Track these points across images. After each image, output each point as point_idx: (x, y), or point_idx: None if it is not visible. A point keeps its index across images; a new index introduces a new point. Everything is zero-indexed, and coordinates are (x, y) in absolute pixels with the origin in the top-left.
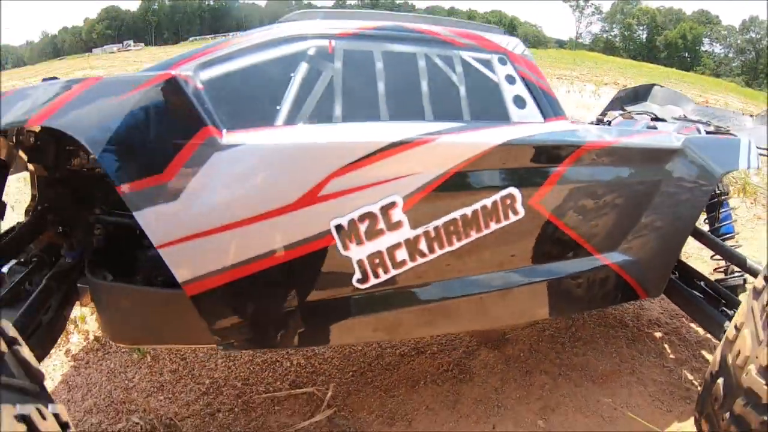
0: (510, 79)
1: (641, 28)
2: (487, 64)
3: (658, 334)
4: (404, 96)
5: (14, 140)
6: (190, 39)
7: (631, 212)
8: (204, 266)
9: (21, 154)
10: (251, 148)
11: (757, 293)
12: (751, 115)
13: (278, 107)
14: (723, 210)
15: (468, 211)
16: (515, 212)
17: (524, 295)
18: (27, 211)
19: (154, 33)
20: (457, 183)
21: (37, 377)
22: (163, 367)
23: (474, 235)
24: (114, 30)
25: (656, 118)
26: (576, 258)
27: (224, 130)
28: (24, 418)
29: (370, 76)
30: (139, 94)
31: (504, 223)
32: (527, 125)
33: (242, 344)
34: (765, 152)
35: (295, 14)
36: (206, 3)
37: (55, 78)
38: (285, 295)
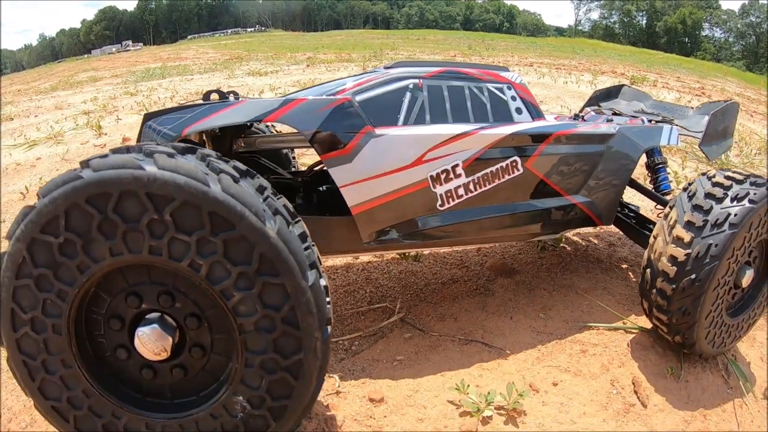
0: (513, 98)
1: (640, 14)
2: (500, 90)
3: (624, 266)
4: (459, 110)
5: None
6: (189, 37)
7: (587, 171)
8: (364, 196)
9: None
10: (389, 136)
11: (665, 216)
12: (692, 108)
13: (398, 116)
14: (662, 173)
15: (493, 168)
16: (518, 170)
17: (526, 217)
18: None
19: (152, 32)
20: (487, 154)
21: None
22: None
23: (497, 182)
24: (112, 31)
25: (615, 113)
26: (554, 197)
27: (375, 127)
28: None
29: (442, 99)
30: (333, 108)
31: (512, 176)
32: (523, 123)
33: (379, 243)
34: (692, 134)
35: (398, 63)
36: (203, 1)
37: (219, 90)
38: (405, 212)
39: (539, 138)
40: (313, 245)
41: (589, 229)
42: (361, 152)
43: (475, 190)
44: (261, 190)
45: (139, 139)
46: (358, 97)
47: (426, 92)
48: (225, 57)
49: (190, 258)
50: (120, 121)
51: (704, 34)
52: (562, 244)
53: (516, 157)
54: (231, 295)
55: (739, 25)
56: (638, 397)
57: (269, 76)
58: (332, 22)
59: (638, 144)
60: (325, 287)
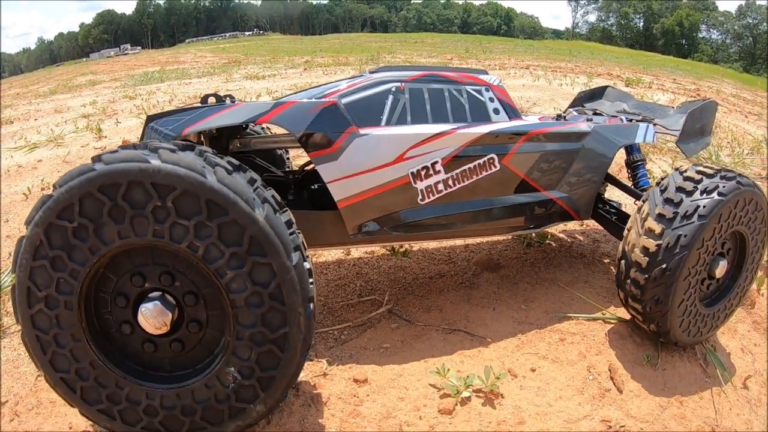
0: (491, 99)
1: (638, 16)
2: (479, 92)
3: (606, 261)
4: (438, 111)
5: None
6: (187, 41)
7: (563, 167)
8: (349, 191)
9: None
10: (373, 135)
11: (638, 209)
12: (673, 107)
13: (381, 116)
14: (640, 170)
15: (471, 165)
16: (495, 166)
17: (505, 211)
18: None
19: (150, 36)
20: (465, 152)
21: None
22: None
23: (475, 178)
24: (110, 34)
25: (596, 113)
26: (532, 193)
27: (359, 127)
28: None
29: (422, 101)
30: (320, 110)
31: (490, 172)
32: (500, 123)
33: (364, 236)
34: (670, 132)
35: (379, 69)
36: (201, 4)
37: (216, 94)
38: (388, 206)
39: (515, 136)
40: (298, 232)
41: (575, 227)
42: (346, 150)
43: (454, 185)
44: (251, 182)
45: (142, 139)
46: (344, 100)
47: (407, 95)
48: (223, 61)
49: (189, 240)
50: (120, 124)
51: (701, 35)
52: (547, 241)
53: (493, 155)
54: (224, 273)
55: (736, 27)
56: (614, 383)
57: (267, 80)
58: (330, 26)
59: (613, 141)
60: (309, 269)
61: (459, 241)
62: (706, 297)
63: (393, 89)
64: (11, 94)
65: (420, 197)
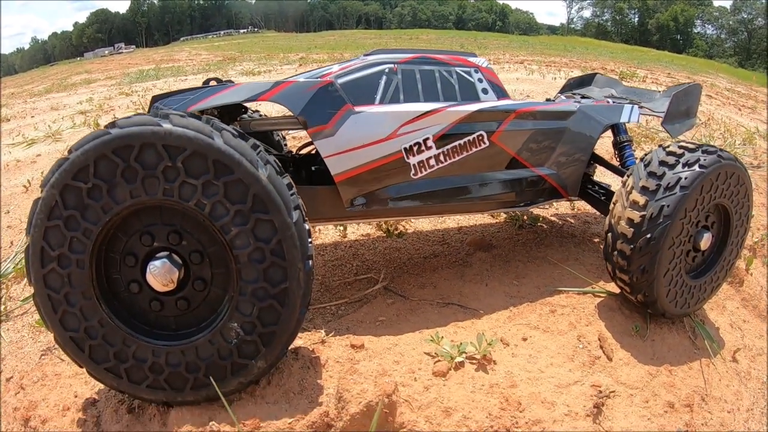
0: (480, 80)
1: (632, 11)
2: (468, 73)
3: (596, 240)
4: (429, 90)
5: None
6: (182, 39)
7: (551, 145)
8: (345, 166)
9: None
10: (367, 113)
11: (623, 183)
12: (659, 92)
13: (375, 95)
14: (627, 150)
15: (461, 141)
16: (484, 143)
17: (496, 186)
18: None
19: (144, 35)
20: (455, 129)
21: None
22: None
23: (465, 154)
24: (104, 33)
25: (584, 97)
26: (521, 169)
27: (354, 105)
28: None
29: (414, 81)
30: (317, 89)
31: (479, 148)
32: (488, 102)
33: (359, 209)
34: (655, 114)
35: (373, 51)
36: (196, 2)
37: (218, 78)
38: (382, 180)
39: (503, 114)
40: (298, 196)
41: (566, 210)
42: (342, 127)
43: (446, 160)
44: (254, 147)
45: None
46: (340, 80)
47: (400, 75)
48: (218, 58)
49: (197, 198)
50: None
51: (696, 31)
52: (539, 223)
53: (482, 132)
54: (229, 230)
55: (730, 22)
56: (604, 352)
57: (262, 76)
58: (325, 23)
59: (599, 120)
60: (308, 230)
61: (452, 224)
62: (692, 269)
63: (386, 70)
64: (6, 94)
65: (413, 172)
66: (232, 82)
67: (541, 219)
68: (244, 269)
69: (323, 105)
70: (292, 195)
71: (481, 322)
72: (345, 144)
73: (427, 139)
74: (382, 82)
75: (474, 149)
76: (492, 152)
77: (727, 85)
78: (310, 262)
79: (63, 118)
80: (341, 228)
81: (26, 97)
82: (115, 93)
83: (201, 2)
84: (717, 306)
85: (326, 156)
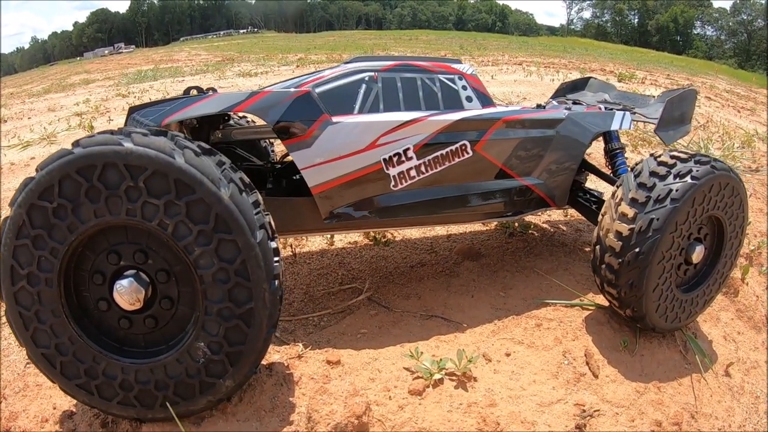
0: (464, 88)
1: (632, 12)
2: (452, 81)
3: (587, 249)
4: (411, 99)
5: (183, 122)
6: (181, 39)
7: (537, 154)
8: (323, 178)
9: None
10: (345, 123)
11: (612, 194)
12: (653, 97)
13: (354, 105)
14: (619, 158)
15: (443, 151)
16: (468, 153)
17: (480, 198)
18: None
19: (144, 35)
20: (436, 138)
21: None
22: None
23: (447, 164)
24: (104, 33)
25: (576, 103)
26: (506, 180)
27: (332, 115)
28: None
29: (395, 89)
30: (293, 99)
31: (462, 158)
32: (472, 111)
33: (338, 221)
34: (648, 120)
35: (354, 59)
36: (196, 2)
37: (198, 87)
38: (361, 192)
39: (487, 123)
40: (266, 213)
41: (559, 217)
42: (319, 138)
43: (427, 171)
44: (220, 164)
45: None
46: (318, 89)
47: (380, 84)
48: (217, 58)
49: (160, 218)
50: (112, 122)
51: (696, 32)
52: (530, 231)
53: (465, 141)
54: (193, 250)
55: (730, 23)
56: (590, 368)
57: (259, 77)
58: (325, 23)
59: (588, 128)
60: (275, 248)
61: (442, 231)
62: (683, 282)
63: (366, 78)
64: (5, 94)
65: (393, 183)
66: (215, 90)
67: (532, 226)
68: (209, 289)
69: (299, 115)
70: (257, 214)
71: (465, 335)
72: (322, 155)
73: (408, 149)
74: (362, 91)
75: (457, 159)
76: (476, 162)
77: (727, 87)
78: (276, 282)
79: (59, 120)
80: (328, 236)
81: (25, 98)
82: (112, 94)
83: (201, 2)
84: (711, 318)
85: (303, 168)
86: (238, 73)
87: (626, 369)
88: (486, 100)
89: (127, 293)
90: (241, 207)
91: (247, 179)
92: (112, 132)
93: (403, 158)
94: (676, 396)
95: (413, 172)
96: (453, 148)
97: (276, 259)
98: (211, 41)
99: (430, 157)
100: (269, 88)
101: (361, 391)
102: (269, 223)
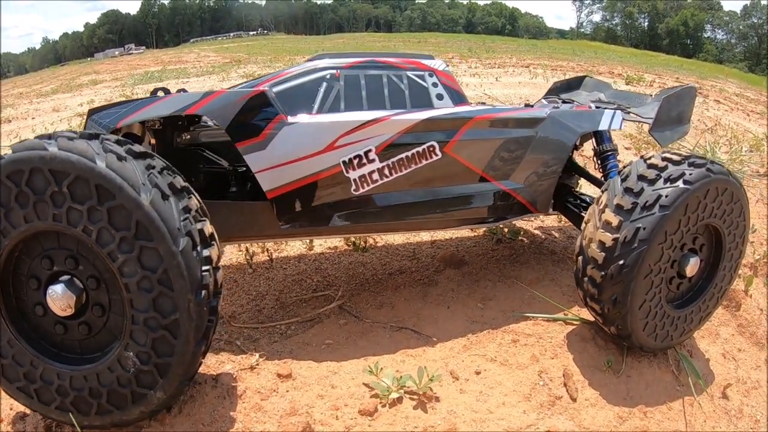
0: (434, 85)
1: (642, 16)
2: (421, 78)
3: None
4: (375, 97)
5: (144, 124)
6: (192, 41)
7: (516, 156)
8: (278, 181)
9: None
10: (301, 123)
11: (597, 200)
12: (651, 96)
13: (313, 104)
14: (610, 161)
15: (409, 153)
16: (436, 155)
17: (452, 203)
18: None
19: (154, 36)
20: (401, 139)
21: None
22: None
23: (413, 167)
24: (115, 34)
25: (565, 102)
26: (481, 183)
27: (288, 116)
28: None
29: (358, 87)
30: (247, 99)
31: (430, 160)
32: (443, 109)
33: (296, 227)
34: (643, 120)
35: (318, 56)
36: (206, 4)
37: (165, 88)
38: (319, 197)
39: (458, 122)
40: (202, 220)
41: (553, 223)
42: (274, 140)
43: (391, 175)
44: (148, 167)
45: None
46: (275, 89)
47: (342, 82)
48: (225, 60)
49: (84, 224)
50: None
51: (706, 35)
52: (520, 237)
53: (433, 142)
54: (116, 257)
55: (740, 27)
56: (567, 390)
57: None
58: (335, 26)
59: (572, 128)
60: (207, 257)
61: (426, 237)
62: (676, 298)
63: (327, 76)
64: (14, 94)
65: (354, 187)
66: (186, 90)
67: (522, 233)
68: (135, 298)
69: (253, 116)
70: (184, 220)
71: (434, 350)
72: (277, 158)
73: (369, 151)
74: (321, 90)
75: (424, 161)
76: (445, 165)
77: (737, 90)
78: (203, 292)
79: (61, 121)
80: (307, 240)
81: (33, 98)
82: (116, 95)
83: (211, 4)
84: (709, 333)
85: (257, 171)
86: (243, 74)
87: (609, 391)
88: (459, 98)
89: (59, 299)
90: (162, 213)
91: (181, 183)
92: (41, 136)
93: (365, 161)
94: (664, 422)
95: (376, 176)
96: (420, 149)
97: (205, 268)
98: (220, 43)
99: (394, 160)
100: (223, 89)
101: (303, 409)
102: (200, 230)
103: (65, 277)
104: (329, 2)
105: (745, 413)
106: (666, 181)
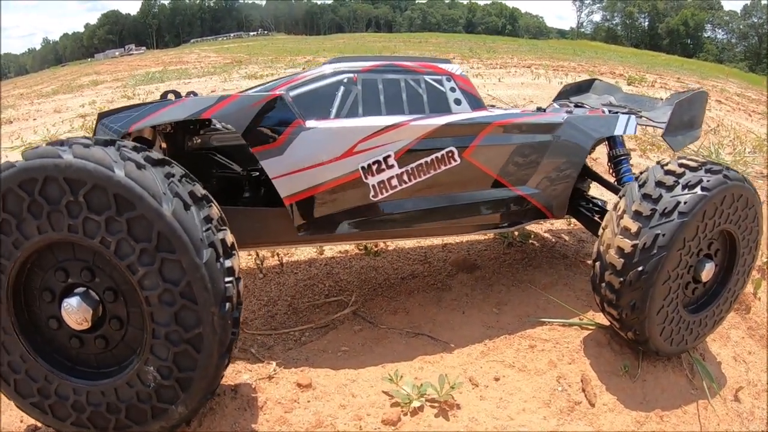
0: (452, 89)
1: (642, 15)
2: (439, 82)
3: (589, 261)
4: (393, 102)
5: (156, 128)
6: (192, 41)
7: (533, 161)
8: (296, 188)
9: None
10: (320, 129)
11: (614, 206)
12: (662, 99)
13: (331, 108)
14: (624, 165)
15: (428, 159)
16: (455, 160)
17: (469, 209)
18: None
19: (155, 36)
20: (420, 145)
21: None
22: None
23: (432, 173)
24: (115, 35)
25: (578, 106)
26: (498, 189)
27: (305, 120)
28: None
29: (376, 92)
30: (263, 103)
31: (449, 166)
32: (460, 114)
33: (312, 234)
34: (656, 125)
35: (335, 59)
36: (206, 4)
37: (175, 91)
38: (337, 203)
39: (476, 127)
40: (222, 229)
41: (562, 226)
42: (291, 145)
43: (410, 180)
44: (168, 176)
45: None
46: (292, 93)
47: (360, 86)
48: (226, 60)
49: (101, 235)
50: None
51: (707, 35)
52: (530, 241)
53: (452, 148)
54: (136, 269)
55: (741, 26)
56: (586, 395)
57: (265, 79)
58: (335, 26)
59: (589, 133)
60: (229, 268)
61: (437, 240)
62: (691, 302)
63: (345, 80)
64: (15, 95)
65: (372, 193)
66: (196, 94)
67: (532, 236)
68: (156, 311)
69: (270, 121)
70: (206, 231)
71: (452, 356)
72: (294, 164)
73: (388, 156)
74: (339, 94)
75: (443, 167)
76: (464, 170)
77: (738, 90)
78: (227, 305)
79: (63, 122)
80: (318, 244)
81: (33, 98)
82: (118, 96)
83: (211, 4)
84: (720, 336)
85: (274, 177)
86: (245, 75)
87: (626, 396)
88: (476, 103)
89: (74, 312)
90: (184, 224)
91: (201, 192)
92: (53, 143)
93: (384, 166)
94: (680, 425)
95: (395, 181)
96: (439, 155)
97: (228, 279)
98: (221, 43)
99: (413, 165)
100: (239, 93)
101: (327, 420)
102: (222, 240)
103: (80, 290)
104: (329, 2)
105: (756, 415)
106: (684, 187)
